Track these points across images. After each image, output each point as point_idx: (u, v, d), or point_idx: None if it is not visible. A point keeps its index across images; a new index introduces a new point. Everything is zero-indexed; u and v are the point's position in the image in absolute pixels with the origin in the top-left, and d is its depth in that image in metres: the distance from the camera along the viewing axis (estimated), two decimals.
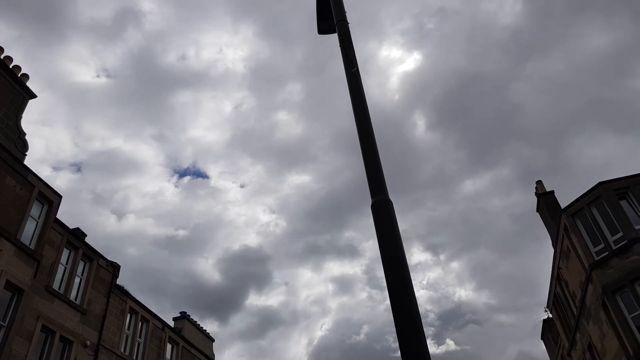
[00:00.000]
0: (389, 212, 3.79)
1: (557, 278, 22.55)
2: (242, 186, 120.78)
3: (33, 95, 18.44)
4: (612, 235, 17.13)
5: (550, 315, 33.12)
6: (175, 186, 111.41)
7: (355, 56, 5.50)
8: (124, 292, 20.35)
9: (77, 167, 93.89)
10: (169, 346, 22.11)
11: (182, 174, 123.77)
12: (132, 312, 20.47)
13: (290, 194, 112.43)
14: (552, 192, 22.10)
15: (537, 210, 23.20)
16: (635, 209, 17.07)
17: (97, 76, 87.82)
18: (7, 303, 14.74)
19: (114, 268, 20.29)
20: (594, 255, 17.60)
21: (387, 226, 3.68)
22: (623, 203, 17.31)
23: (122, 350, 19.09)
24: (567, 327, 23.42)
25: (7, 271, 14.69)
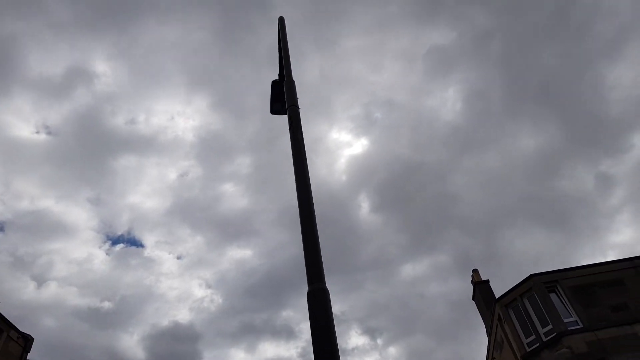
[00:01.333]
0: (325, 302, 3.76)
1: None
2: (178, 257, 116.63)
3: None
4: (543, 327, 17.63)
5: None
6: (106, 254, 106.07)
7: (302, 141, 5.68)
8: None
9: (0, 226, 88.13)
10: None
11: (115, 240, 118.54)
12: None
13: (230, 269, 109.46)
14: (487, 281, 22.74)
15: (473, 299, 23.69)
16: (564, 302, 17.79)
17: (37, 132, 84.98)
18: None
19: (26, 341, 18.62)
20: (526, 347, 17.96)
21: (322, 317, 3.64)
22: (552, 296, 18.03)
23: None
24: None
25: None
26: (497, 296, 20.27)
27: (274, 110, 7.24)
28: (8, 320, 18.00)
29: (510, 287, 19.27)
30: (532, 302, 18.32)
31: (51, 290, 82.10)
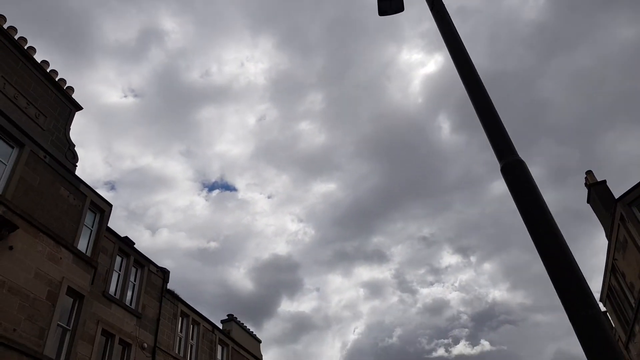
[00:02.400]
0: (525, 172, 3.67)
1: (611, 270, 21.96)
2: (269, 197, 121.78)
3: (79, 107, 18.96)
4: None
5: (603, 309, 32.28)
6: (205, 200, 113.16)
7: (449, 17, 5.18)
8: (174, 297, 20.79)
9: (111, 186, 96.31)
10: (219, 348, 22.49)
11: (210, 187, 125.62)
12: (184, 315, 20.89)
13: (317, 203, 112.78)
14: (604, 181, 21.48)
15: (588, 202, 22.60)
16: None
17: (125, 96, 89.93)
18: (69, 309, 15.29)
19: (164, 273, 20.76)
20: None
21: (526, 188, 3.56)
22: None
23: (176, 352, 19.53)
24: (624, 320, 22.80)
25: (68, 278, 15.21)
26: (616, 197, 19.20)
27: (382, 11, 6.37)
28: (147, 257, 20.09)
29: (630, 187, 18.13)
30: None
31: (164, 236, 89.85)
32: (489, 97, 4.37)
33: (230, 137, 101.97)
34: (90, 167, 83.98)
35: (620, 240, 19.64)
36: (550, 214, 3.57)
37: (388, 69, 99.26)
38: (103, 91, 79.48)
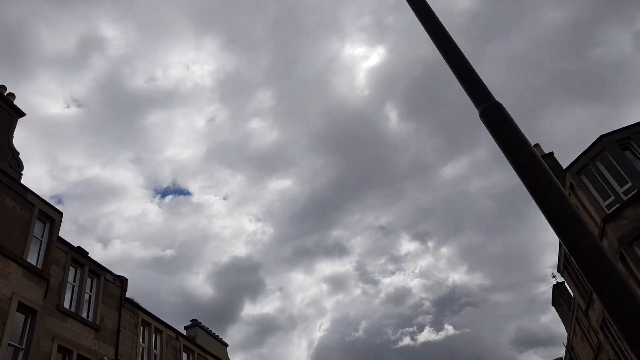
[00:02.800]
0: (503, 114, 3.58)
1: None
2: (224, 198, 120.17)
3: (22, 114, 17.91)
4: (621, 186, 17.21)
5: (560, 280, 33.40)
6: (158, 206, 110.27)
7: None
8: (134, 305, 19.89)
9: (58, 199, 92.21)
10: (184, 355, 21.70)
11: (163, 193, 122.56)
12: (145, 324, 20.02)
13: (274, 200, 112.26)
14: (552, 153, 22.17)
15: None
16: None
17: (67, 107, 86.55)
18: (21, 325, 14.26)
19: (122, 282, 19.83)
20: (605, 209, 17.67)
21: (508, 130, 3.48)
22: (627, 153, 17.43)
23: None
24: (582, 289, 23.57)
25: (18, 293, 14.19)
26: (564, 167, 19.81)
27: None
28: (102, 266, 19.12)
29: (577, 155, 18.75)
30: (605, 163, 17.79)
31: (117, 247, 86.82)
32: (456, 44, 4.27)
33: (180, 140, 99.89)
34: (34, 181, 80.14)
35: None
36: (535, 152, 3.45)
37: (332, 64, 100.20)
38: (44, 103, 76.09)
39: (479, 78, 3.91)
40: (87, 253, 19.19)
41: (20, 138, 70.10)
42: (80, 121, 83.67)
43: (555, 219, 3.10)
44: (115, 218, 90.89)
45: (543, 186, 3.24)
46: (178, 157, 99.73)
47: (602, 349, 25.57)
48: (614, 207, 17.42)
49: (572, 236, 2.99)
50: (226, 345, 26.05)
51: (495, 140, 3.54)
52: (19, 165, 16.75)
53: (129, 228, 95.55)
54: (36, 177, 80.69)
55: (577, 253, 2.97)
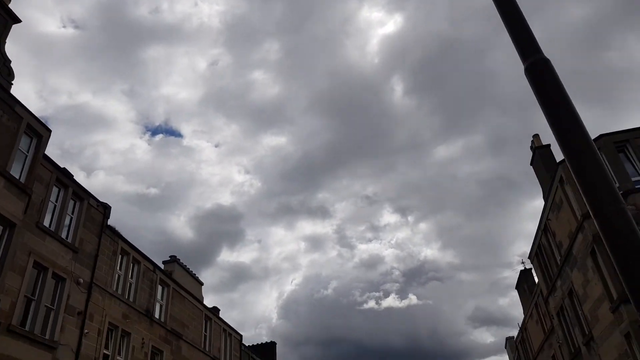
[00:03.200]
0: (551, 71, 3.43)
1: (544, 229, 23.08)
2: (216, 146, 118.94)
3: (17, 20, 17.07)
4: None
5: (528, 267, 34.24)
6: (147, 144, 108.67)
7: None
8: (115, 233, 19.82)
9: (44, 121, 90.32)
10: (160, 288, 21.90)
11: (154, 131, 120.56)
12: (124, 253, 20.03)
13: (266, 155, 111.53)
14: (549, 145, 22.27)
15: (531, 164, 23.43)
16: (633, 162, 17.33)
17: (64, 27, 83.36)
18: None
19: (105, 209, 19.66)
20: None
21: (553, 87, 3.33)
22: (621, 156, 17.55)
23: (114, 289, 18.77)
24: (547, 276, 24.22)
25: None
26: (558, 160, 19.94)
27: None
28: (87, 190, 18.87)
29: None
30: None
31: (100, 178, 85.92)
32: None
33: (178, 79, 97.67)
34: (21, 99, 78.21)
35: (556, 202, 20.54)
36: (578, 115, 3.34)
37: (347, 25, 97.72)
38: (39, 18, 73.21)
39: (530, 30, 3.70)
40: (72, 176, 18.88)
41: (11, 51, 67.64)
42: (75, 44, 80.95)
43: (587, 182, 3.06)
44: (101, 149, 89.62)
45: (580, 150, 3.17)
46: (174, 96, 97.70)
47: (553, 333, 26.59)
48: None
49: (599, 200, 2.95)
50: (201, 284, 26.35)
51: (538, 98, 3.44)
52: (9, 74, 16.12)
53: (115, 161, 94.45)
54: (24, 95, 78.69)
55: (601, 217, 2.96)
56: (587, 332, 19.76)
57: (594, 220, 2.92)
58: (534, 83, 3.55)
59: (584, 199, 3.07)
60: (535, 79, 3.54)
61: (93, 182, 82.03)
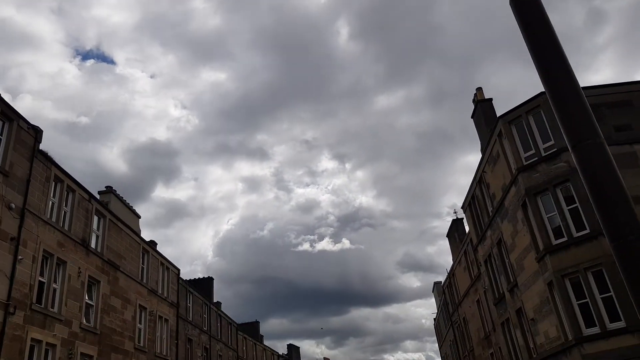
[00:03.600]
0: (539, 5, 3.35)
1: (479, 181, 24.12)
2: (151, 76, 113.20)
3: None
4: (544, 143, 18.29)
5: (460, 216, 35.93)
6: (78, 69, 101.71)
7: None
8: (48, 159, 18.71)
9: None
10: (96, 218, 21.18)
11: (85, 56, 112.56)
12: (58, 180, 19.04)
13: (204, 91, 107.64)
14: (490, 99, 22.87)
15: (472, 117, 24.08)
16: None
17: None
18: None
19: (36, 132, 18.41)
20: (523, 160, 18.82)
21: (538, 23, 3.29)
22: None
23: (48, 216, 17.95)
24: (478, 226, 25.57)
25: None
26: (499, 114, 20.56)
27: None
28: (16, 111, 17.53)
29: (516, 105, 19.48)
30: (537, 118, 18.68)
31: (26, 103, 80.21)
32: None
33: (112, 1, 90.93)
34: None
35: (493, 155, 21.38)
36: (564, 53, 3.33)
37: None
38: None
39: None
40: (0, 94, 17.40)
41: None
42: None
43: (566, 112, 3.07)
44: (28, 70, 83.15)
45: (562, 79, 3.17)
46: (107, 19, 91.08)
47: (479, 280, 28.47)
48: (531, 160, 18.57)
49: (578, 132, 2.96)
50: (139, 217, 25.72)
51: (524, 33, 3.41)
52: None
53: (43, 85, 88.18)
54: None
55: (579, 151, 2.96)
56: (512, 280, 21.22)
57: (572, 154, 2.97)
58: (520, 15, 3.53)
59: (562, 130, 3.11)
60: (520, 10, 3.51)
61: (19, 106, 76.65)
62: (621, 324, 15.09)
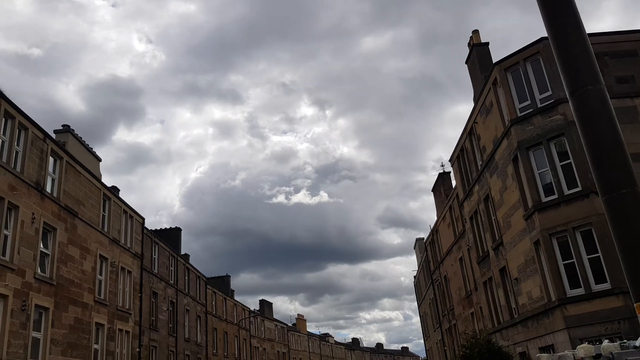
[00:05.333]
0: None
1: (469, 132, 24.30)
2: (113, 5, 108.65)
3: None
4: (541, 94, 18.37)
5: (447, 170, 36.44)
6: None
7: None
8: None
9: None
10: (51, 160, 20.80)
11: None
12: (8, 116, 18.51)
13: (172, 24, 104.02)
14: (487, 43, 22.69)
15: (466, 62, 23.95)
16: None
17: None
18: None
19: None
20: (517, 111, 18.94)
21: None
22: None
23: None
24: (466, 180, 25.99)
25: None
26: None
27: None
28: None
29: (514, 50, 19.39)
30: (535, 67, 18.68)
31: None
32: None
33: None
34: None
35: (486, 104, 21.46)
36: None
37: None
38: None
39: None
40: None
41: None
42: None
43: (568, 54, 3.08)
44: None
45: (565, 19, 3.15)
46: None
47: (464, 237, 29.24)
48: (526, 112, 18.71)
49: (578, 77, 3.01)
50: (99, 159, 25.36)
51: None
52: None
53: None
54: None
55: (578, 97, 3.01)
56: (497, 238, 21.82)
57: (569, 101, 2.99)
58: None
59: (562, 75, 3.11)
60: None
61: None
62: (606, 286, 15.77)
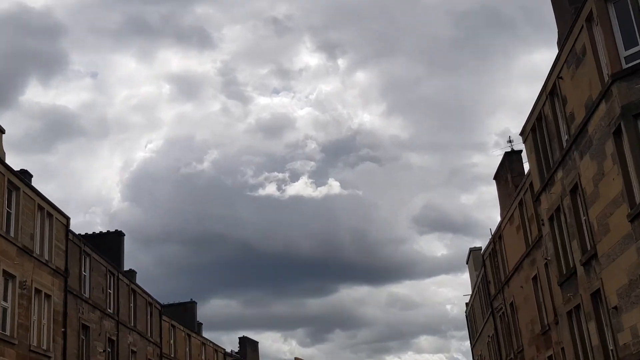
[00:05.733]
0: None
1: (550, 92, 24.10)
2: None
3: None
4: None
5: (518, 149, 36.24)
6: None
7: None
8: None
9: None
10: None
11: None
12: None
13: None
14: None
15: None
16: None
17: None
18: None
19: None
20: (623, 62, 18.69)
21: None
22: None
23: None
24: (544, 163, 25.85)
25: None
26: None
27: None
28: None
29: None
30: None
31: None
32: None
33: None
34: None
35: (576, 51, 21.23)
36: None
37: None
38: None
39: None
40: None
41: None
42: None
43: None
44: None
45: None
46: None
47: (539, 246, 29.15)
48: (634, 62, 18.47)
49: None
50: (2, 131, 25.46)
51: None
52: None
53: None
54: None
55: None
56: (589, 247, 21.66)
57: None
58: None
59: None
60: None
61: None
62: None
